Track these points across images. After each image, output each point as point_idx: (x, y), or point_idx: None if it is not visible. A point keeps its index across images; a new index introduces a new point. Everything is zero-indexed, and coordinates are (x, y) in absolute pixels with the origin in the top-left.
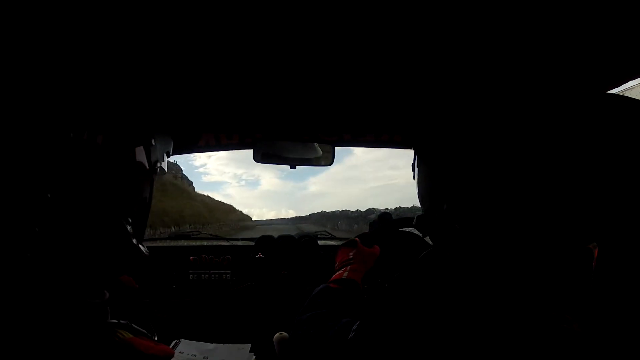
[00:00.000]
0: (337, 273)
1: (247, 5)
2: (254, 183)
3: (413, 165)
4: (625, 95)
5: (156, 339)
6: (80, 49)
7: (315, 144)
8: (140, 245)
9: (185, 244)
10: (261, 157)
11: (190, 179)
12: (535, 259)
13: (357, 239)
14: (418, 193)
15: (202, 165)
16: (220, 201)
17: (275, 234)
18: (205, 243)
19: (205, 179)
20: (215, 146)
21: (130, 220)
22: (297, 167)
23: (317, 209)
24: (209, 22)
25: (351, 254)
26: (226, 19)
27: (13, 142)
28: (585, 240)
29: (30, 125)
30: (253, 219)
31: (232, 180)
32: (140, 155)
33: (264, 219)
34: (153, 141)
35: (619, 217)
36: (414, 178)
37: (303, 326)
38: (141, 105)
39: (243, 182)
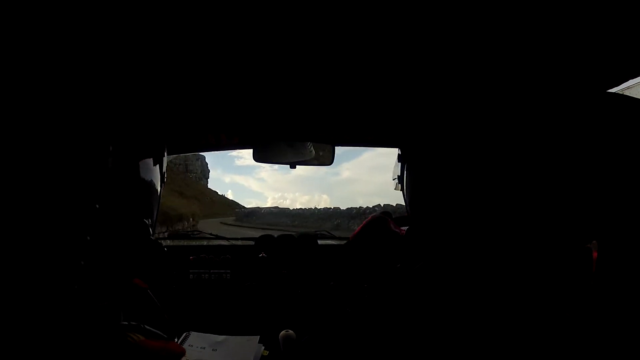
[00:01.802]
0: None
1: (248, 8)
2: (287, 167)
3: (401, 169)
4: (625, 94)
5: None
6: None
7: (315, 143)
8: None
9: (185, 243)
10: (261, 156)
11: (221, 164)
12: (536, 258)
13: None
14: (405, 196)
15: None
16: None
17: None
18: (205, 243)
19: (238, 162)
20: (215, 145)
21: (150, 222)
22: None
23: (350, 195)
24: (211, 25)
25: None
26: (227, 22)
27: (68, 158)
28: (585, 240)
29: (80, 140)
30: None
31: (265, 164)
32: (158, 165)
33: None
34: (165, 153)
35: (619, 217)
36: (393, 179)
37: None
38: (155, 116)
39: (276, 167)
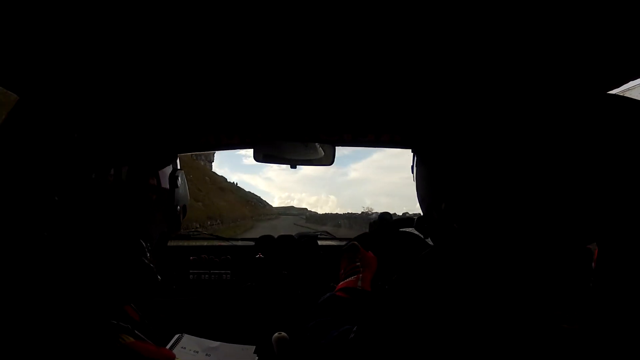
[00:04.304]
0: (347, 281)
1: (249, 6)
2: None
3: (412, 167)
4: (625, 95)
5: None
6: (93, 55)
7: (315, 143)
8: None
9: (186, 244)
10: (262, 156)
11: (229, 162)
12: (535, 259)
13: (355, 242)
14: (417, 194)
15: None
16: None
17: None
18: (205, 243)
19: (246, 161)
20: (215, 145)
21: (149, 245)
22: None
23: (357, 195)
24: (211, 24)
25: (358, 261)
26: (227, 21)
27: (22, 145)
28: (585, 240)
29: (50, 130)
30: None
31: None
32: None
33: (302, 206)
34: (179, 180)
35: (618, 218)
36: (414, 180)
37: (307, 333)
38: (165, 127)
39: (283, 166)
